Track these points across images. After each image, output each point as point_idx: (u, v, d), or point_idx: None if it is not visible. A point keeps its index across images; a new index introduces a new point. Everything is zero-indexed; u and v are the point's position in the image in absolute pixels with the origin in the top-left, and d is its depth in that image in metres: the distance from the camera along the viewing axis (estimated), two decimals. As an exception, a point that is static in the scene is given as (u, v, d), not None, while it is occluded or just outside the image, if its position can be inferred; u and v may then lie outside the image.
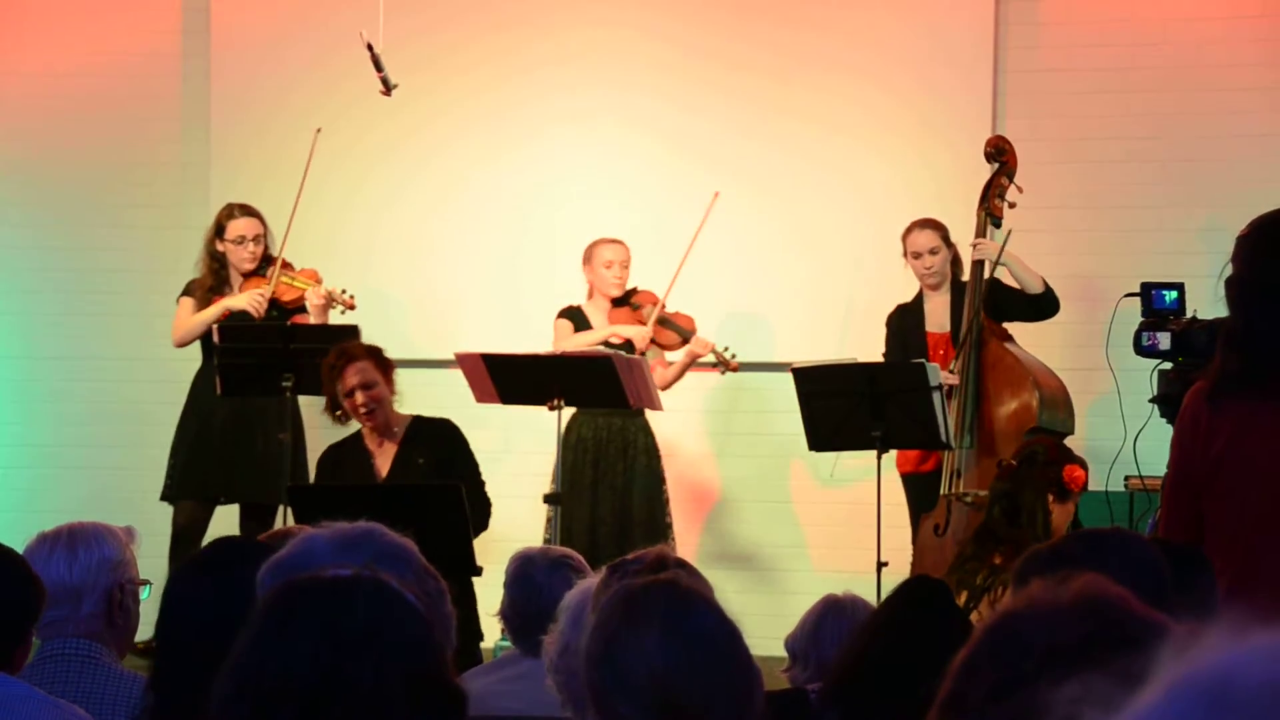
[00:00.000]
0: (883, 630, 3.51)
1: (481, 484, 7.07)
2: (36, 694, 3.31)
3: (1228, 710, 1.07)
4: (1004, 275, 7.82)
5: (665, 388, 8.04)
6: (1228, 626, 1.13)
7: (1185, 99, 8.61)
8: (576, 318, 8.14)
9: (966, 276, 7.83)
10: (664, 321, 8.10)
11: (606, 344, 8.00)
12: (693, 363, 8.09)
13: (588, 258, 8.18)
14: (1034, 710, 1.41)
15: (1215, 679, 1.09)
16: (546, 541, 7.60)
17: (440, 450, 7.04)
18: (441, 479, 6.79)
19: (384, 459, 7.07)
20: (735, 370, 8.01)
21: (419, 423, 7.12)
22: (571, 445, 7.93)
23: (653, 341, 8.09)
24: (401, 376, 7.17)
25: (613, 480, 7.96)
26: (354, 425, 7.14)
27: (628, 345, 8.04)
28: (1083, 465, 6.09)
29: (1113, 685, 1.21)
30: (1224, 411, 3.71)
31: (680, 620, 2.47)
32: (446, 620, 2.39)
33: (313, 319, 8.08)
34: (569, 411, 7.79)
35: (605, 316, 8.15)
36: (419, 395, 7.64)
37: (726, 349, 7.98)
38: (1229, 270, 3.77)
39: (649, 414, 8.06)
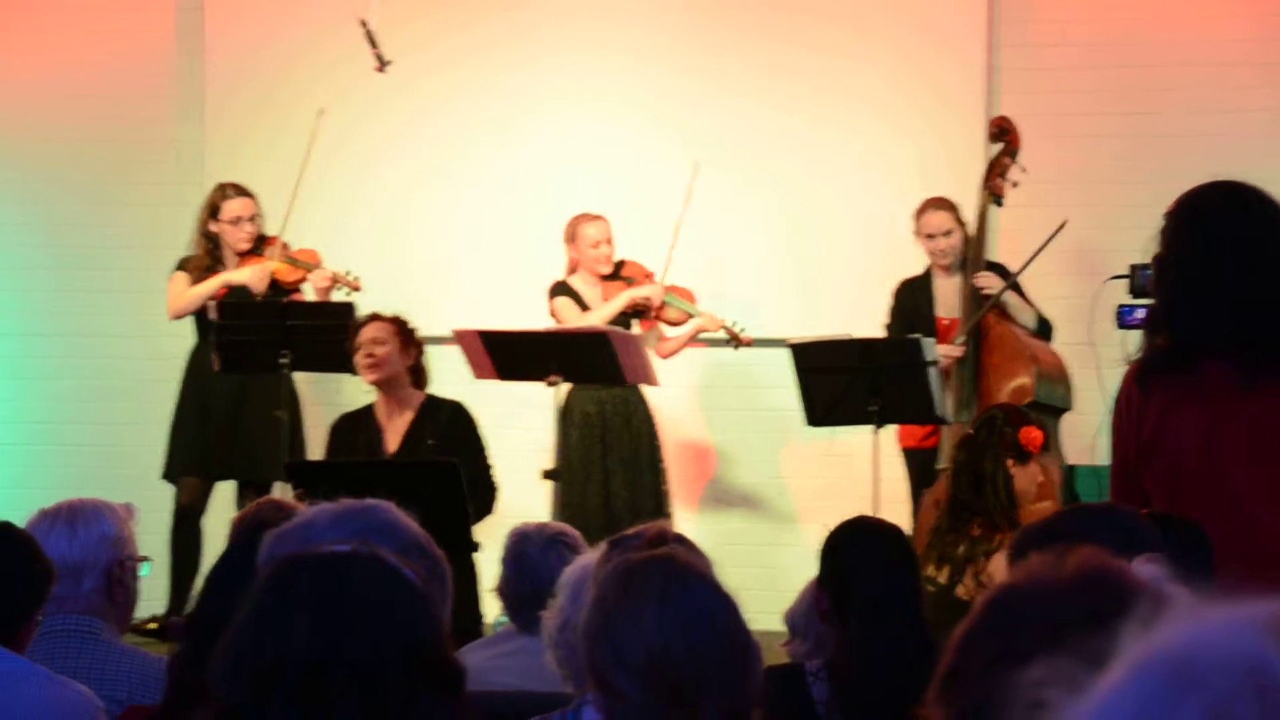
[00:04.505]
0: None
1: (488, 468, 7.08)
2: (40, 670, 3.32)
3: (1194, 687, 1.06)
4: (1010, 295, 7.79)
5: (666, 358, 8.07)
6: (1193, 602, 1.13)
7: (1179, 73, 8.60)
8: (573, 295, 8.10)
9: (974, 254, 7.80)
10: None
11: (624, 312, 7.98)
12: (696, 335, 8.07)
13: (570, 236, 8.12)
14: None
15: (1180, 656, 1.07)
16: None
17: (449, 431, 7.06)
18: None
19: (393, 435, 7.10)
20: (748, 345, 7.96)
21: (431, 402, 7.16)
22: (576, 422, 7.88)
23: (656, 316, 8.06)
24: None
25: (621, 453, 7.94)
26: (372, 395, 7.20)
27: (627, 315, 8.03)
28: (1041, 426, 6.10)
29: (1078, 665, 1.21)
30: (1152, 393, 3.69)
31: (678, 595, 2.48)
32: (444, 595, 2.39)
33: (315, 300, 8.05)
34: (565, 388, 7.79)
35: (600, 291, 8.10)
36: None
37: (735, 323, 7.96)
38: (1156, 248, 3.74)
39: (641, 385, 8.07)
